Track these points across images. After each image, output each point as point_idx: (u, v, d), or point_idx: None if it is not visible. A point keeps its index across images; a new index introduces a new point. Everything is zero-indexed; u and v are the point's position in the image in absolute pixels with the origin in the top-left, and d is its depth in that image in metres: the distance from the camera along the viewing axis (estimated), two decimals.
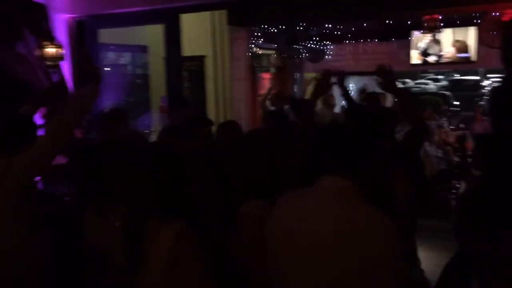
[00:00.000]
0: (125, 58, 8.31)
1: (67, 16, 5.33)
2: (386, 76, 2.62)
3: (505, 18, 6.71)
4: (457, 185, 5.83)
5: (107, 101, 6.83)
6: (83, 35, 5.35)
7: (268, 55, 9.31)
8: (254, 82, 8.52)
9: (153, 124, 6.97)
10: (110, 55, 8.25)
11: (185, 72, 6.28)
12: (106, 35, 6.14)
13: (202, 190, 2.24)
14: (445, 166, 6.83)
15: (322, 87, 2.81)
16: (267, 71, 9.48)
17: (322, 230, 1.46)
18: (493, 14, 6.65)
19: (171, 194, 1.64)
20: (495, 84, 9.06)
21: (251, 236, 1.98)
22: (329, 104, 6.49)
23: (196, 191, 2.01)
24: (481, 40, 7.28)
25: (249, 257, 1.99)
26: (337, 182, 1.52)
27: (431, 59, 8.20)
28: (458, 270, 2.44)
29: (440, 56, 8.16)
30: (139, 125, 7.35)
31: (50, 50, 4.85)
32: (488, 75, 14.70)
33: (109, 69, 8.11)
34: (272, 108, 5.79)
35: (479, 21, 7.21)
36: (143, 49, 7.37)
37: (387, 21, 7.56)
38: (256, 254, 1.86)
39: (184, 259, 1.57)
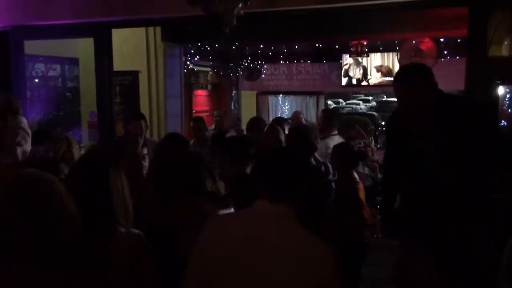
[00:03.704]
0: (56, 70, 8.03)
1: None
2: None
3: (423, 45, 7.30)
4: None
5: (36, 114, 6.54)
6: (7, 46, 5.14)
7: (205, 72, 9.41)
8: (190, 99, 8.55)
9: (83, 139, 6.76)
10: (40, 67, 7.94)
11: (117, 86, 6.19)
12: (35, 46, 5.92)
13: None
14: (371, 183, 7.16)
15: None
16: (203, 88, 9.57)
17: (260, 257, 1.48)
18: (412, 42, 7.21)
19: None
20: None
21: None
22: None
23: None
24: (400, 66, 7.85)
25: None
26: (271, 207, 1.53)
27: (354, 81, 8.74)
28: None
29: (362, 79, 8.71)
30: None
31: None
32: None
33: (37, 81, 7.79)
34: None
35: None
36: (74, 61, 7.16)
37: (318, 45, 7.94)
38: None
39: (143, 263, 1.64)
